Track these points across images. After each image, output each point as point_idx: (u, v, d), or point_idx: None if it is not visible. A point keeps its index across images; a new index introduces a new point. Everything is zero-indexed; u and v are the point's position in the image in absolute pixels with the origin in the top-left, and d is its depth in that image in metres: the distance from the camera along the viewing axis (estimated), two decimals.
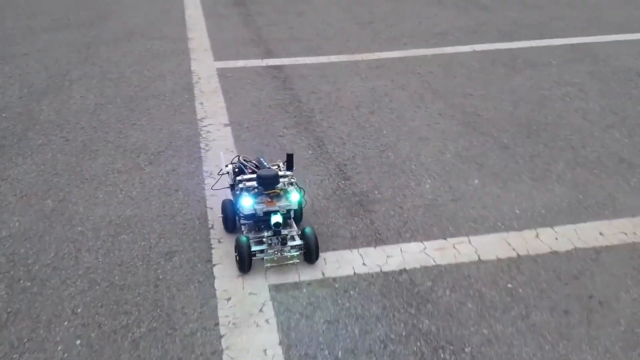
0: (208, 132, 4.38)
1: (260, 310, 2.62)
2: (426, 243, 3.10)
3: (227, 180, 3.21)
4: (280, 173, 2.96)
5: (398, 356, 2.37)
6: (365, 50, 6.28)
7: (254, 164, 3.13)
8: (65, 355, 2.38)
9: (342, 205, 3.44)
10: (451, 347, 2.42)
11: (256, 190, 2.90)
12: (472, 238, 3.14)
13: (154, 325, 2.54)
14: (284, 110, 4.80)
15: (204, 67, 5.79)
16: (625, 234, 3.15)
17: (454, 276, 2.85)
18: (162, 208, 3.40)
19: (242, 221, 2.97)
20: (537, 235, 3.15)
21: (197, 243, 3.08)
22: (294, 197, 2.89)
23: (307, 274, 2.85)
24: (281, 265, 2.85)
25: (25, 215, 3.33)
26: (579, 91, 5.14)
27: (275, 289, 2.75)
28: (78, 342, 2.45)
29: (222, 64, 5.86)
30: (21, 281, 2.81)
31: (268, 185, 2.87)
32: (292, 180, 2.99)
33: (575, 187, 3.63)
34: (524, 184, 3.67)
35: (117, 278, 2.82)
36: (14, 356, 2.38)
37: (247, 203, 2.84)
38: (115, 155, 4.02)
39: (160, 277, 2.83)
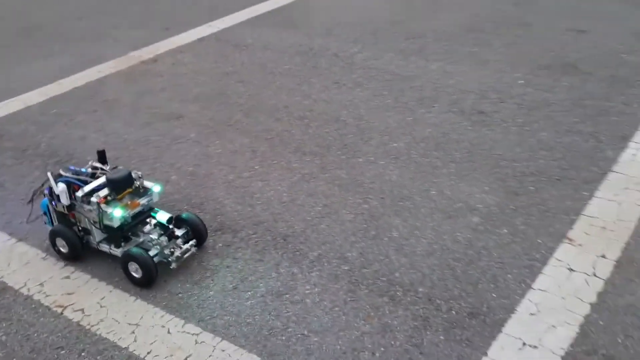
0: None
1: None
2: None
3: (44, 203, 2.71)
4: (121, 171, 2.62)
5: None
6: None
7: (73, 173, 2.65)
8: None
9: None
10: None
11: (108, 197, 2.54)
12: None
13: None
14: None
15: None
16: (119, 68, 4.82)
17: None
18: None
19: (99, 237, 2.63)
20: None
21: None
22: (156, 188, 2.62)
23: None
24: (184, 259, 2.59)
25: None
26: None
27: None
28: None
29: None
30: None
31: (122, 188, 2.54)
32: (138, 173, 2.64)
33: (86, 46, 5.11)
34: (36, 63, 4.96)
35: None
36: None
37: (118, 213, 2.49)
38: None
39: None
